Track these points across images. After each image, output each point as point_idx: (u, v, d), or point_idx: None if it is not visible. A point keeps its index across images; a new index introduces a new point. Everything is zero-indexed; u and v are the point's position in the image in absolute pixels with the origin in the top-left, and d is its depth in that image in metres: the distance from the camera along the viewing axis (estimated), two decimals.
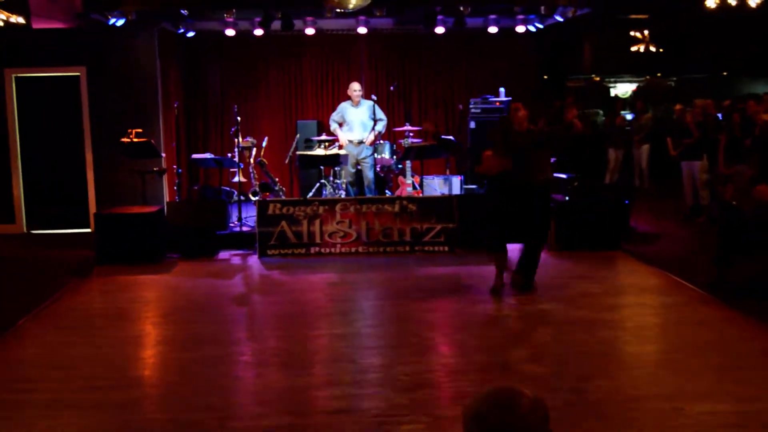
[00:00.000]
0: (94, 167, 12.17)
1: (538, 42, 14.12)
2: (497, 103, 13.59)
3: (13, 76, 12.16)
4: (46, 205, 12.39)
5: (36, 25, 11.94)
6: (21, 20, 11.38)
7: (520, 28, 13.05)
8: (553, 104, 13.89)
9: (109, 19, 11.39)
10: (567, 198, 10.69)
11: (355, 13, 11.91)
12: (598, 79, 22.32)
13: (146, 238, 10.31)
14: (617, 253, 10.31)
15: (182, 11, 11.58)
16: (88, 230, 11.78)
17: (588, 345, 6.69)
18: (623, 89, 23.36)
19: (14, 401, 5.63)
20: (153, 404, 5.73)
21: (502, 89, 13.71)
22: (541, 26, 13.07)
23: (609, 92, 22.86)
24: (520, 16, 12.69)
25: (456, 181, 12.71)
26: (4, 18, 11.12)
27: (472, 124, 13.67)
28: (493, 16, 12.78)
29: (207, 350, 6.75)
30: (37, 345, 7.03)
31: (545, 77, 14.77)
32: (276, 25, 11.94)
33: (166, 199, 12.09)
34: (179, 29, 12.84)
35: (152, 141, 11.15)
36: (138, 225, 10.31)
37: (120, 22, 11.42)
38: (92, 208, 12.00)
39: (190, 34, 13.05)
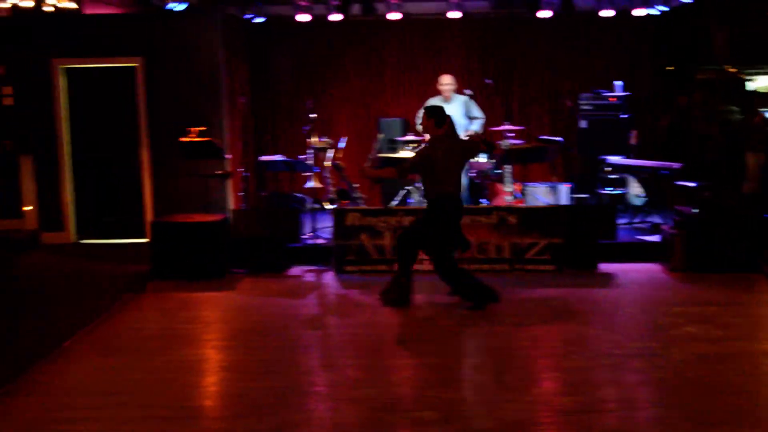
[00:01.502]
0: (152, 170, 12.41)
1: (661, 27, 13.86)
2: (612, 99, 13.38)
3: (63, 67, 12.50)
4: (98, 211, 12.71)
5: (88, 11, 12.25)
6: (72, 5, 11.68)
7: (639, 11, 12.84)
8: (679, 101, 13.60)
9: (168, 4, 11.62)
10: (696, 210, 10.42)
11: None
12: (733, 70, 21.79)
13: (208, 250, 10.44)
14: (756, 276, 10.01)
15: None
16: (144, 240, 12.00)
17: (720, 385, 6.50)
18: (763, 82, 22.74)
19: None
20: None
21: (618, 83, 13.49)
22: (664, 8, 12.83)
23: (745, 86, 22.27)
24: None
25: (563, 189, 12.54)
26: (53, 2, 11.43)
27: (583, 123, 13.49)
28: None
29: (275, 379, 6.77)
30: (85, 369, 7.15)
31: (668, 68, 14.47)
32: (356, 9, 12.01)
33: (231, 206, 12.25)
34: (246, 14, 13.01)
35: (216, 141, 11.30)
36: (199, 236, 10.45)
37: (181, 7, 11.66)
38: (148, 216, 12.24)
39: (259, 20, 13.21)
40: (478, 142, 9.84)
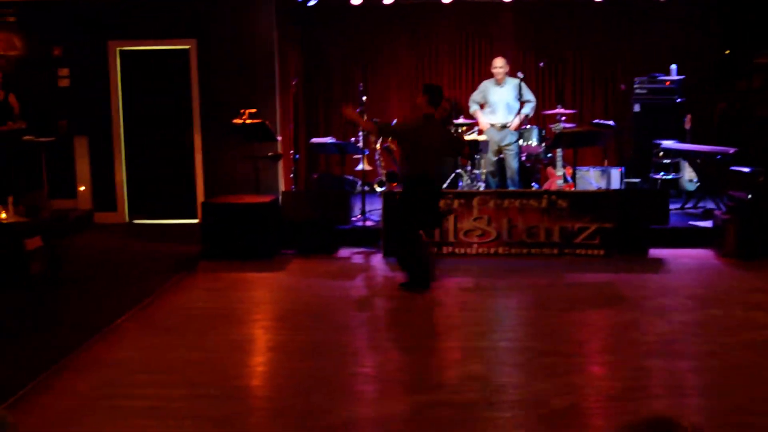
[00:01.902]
0: (203, 151, 12.54)
1: (720, 10, 13.64)
2: (667, 83, 13.22)
3: (118, 49, 12.66)
4: (150, 192, 12.88)
5: None
6: None
7: None
8: (738, 85, 13.39)
9: None
10: (750, 196, 10.27)
11: None
12: None
13: (258, 231, 10.53)
14: None
15: None
16: (195, 221, 12.14)
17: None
18: None
19: (110, 407, 5.84)
20: (261, 419, 5.83)
21: (673, 66, 13.32)
22: None
23: None
24: None
25: (615, 173, 12.45)
26: None
27: (637, 107, 13.35)
28: None
29: (323, 360, 6.83)
30: (136, 347, 7.28)
31: (727, 52, 14.25)
32: None
33: (282, 188, 12.33)
34: None
35: (267, 123, 11.37)
36: (249, 217, 10.54)
37: None
38: (199, 197, 12.37)
39: (312, 2, 13.24)
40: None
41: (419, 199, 8.91)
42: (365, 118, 11.99)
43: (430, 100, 8.93)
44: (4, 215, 8.65)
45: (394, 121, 11.94)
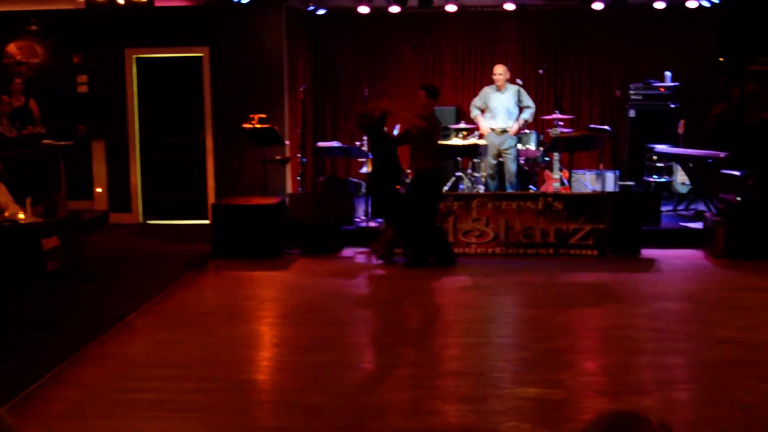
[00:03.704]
0: (215, 154, 12.62)
1: (714, 19, 13.65)
2: (662, 89, 13.24)
3: (134, 57, 12.75)
4: (164, 193, 12.96)
5: (158, 3, 12.46)
6: None
7: (692, 3, 12.65)
8: (731, 92, 13.39)
9: None
10: (739, 198, 10.30)
11: None
12: None
13: (266, 231, 10.59)
14: None
15: None
16: (206, 222, 12.21)
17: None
18: None
19: (119, 401, 5.91)
20: (265, 411, 5.90)
21: (668, 73, 13.35)
22: (717, 0, 12.64)
23: None
24: None
25: (610, 176, 12.48)
26: None
27: (632, 113, 13.38)
28: None
29: (326, 356, 6.88)
30: (146, 342, 7.36)
31: (721, 60, 14.25)
32: (413, 1, 12.03)
33: (289, 190, 12.40)
34: (308, 6, 13.11)
35: (276, 127, 11.45)
36: (258, 217, 10.60)
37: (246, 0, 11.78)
38: (210, 199, 12.44)
39: (320, 11, 13.30)
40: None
41: (440, 187, 10.12)
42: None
43: (429, 94, 9.92)
44: (22, 215, 8.73)
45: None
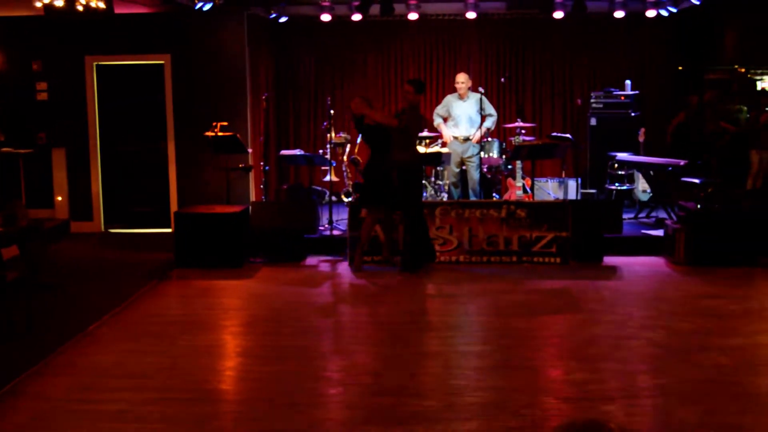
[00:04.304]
0: (177, 162, 12.55)
1: (672, 28, 13.84)
2: (622, 98, 13.39)
3: (95, 64, 12.65)
4: (125, 202, 12.87)
5: (118, 10, 12.39)
6: (102, 5, 11.81)
7: (651, 13, 12.81)
8: (690, 99, 13.57)
9: (196, 4, 11.72)
10: (699, 206, 10.43)
11: None
12: (743, 70, 21.63)
13: (229, 240, 10.54)
14: (755, 270, 10.03)
15: None
16: (168, 230, 12.13)
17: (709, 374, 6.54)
18: None
19: (81, 411, 5.85)
20: (229, 421, 5.86)
21: (628, 82, 13.51)
22: (674, 10, 12.80)
23: (756, 86, 22.13)
24: None
25: (572, 184, 12.59)
26: (84, 2, 11.57)
27: (593, 121, 13.53)
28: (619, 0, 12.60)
29: (290, 365, 6.87)
30: (109, 352, 7.28)
31: (680, 68, 14.45)
32: (375, 9, 12.05)
33: (252, 198, 12.37)
34: (270, 14, 13.10)
35: (238, 135, 11.41)
36: (221, 226, 10.55)
37: (207, 7, 11.74)
38: (173, 207, 12.37)
39: (282, 19, 13.28)
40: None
41: (421, 179, 10.32)
42: (333, 132, 12.08)
43: (417, 89, 10.05)
44: None
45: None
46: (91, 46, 12.64)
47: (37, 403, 6.01)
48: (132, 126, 12.82)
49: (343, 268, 10.48)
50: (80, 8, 11.58)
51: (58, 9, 11.63)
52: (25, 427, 5.62)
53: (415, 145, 10.25)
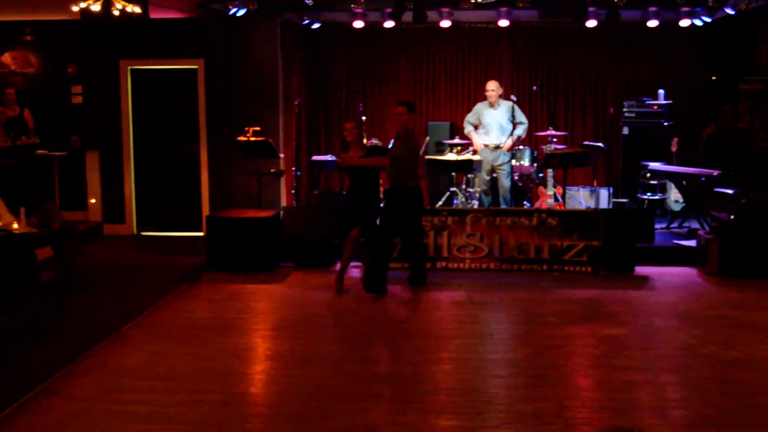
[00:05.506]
0: (209, 167, 12.60)
1: (706, 38, 13.72)
2: (655, 107, 13.28)
3: (129, 68, 12.76)
4: (158, 205, 12.96)
5: (153, 15, 12.47)
6: (137, 9, 11.90)
7: (685, 22, 12.69)
8: (724, 109, 13.44)
9: (230, 9, 11.76)
10: (732, 216, 10.33)
11: (496, 4, 11.89)
12: None
13: (260, 244, 10.58)
14: None
15: (307, 1, 11.83)
16: (200, 234, 12.18)
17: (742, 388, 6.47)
18: None
19: (112, 412, 5.89)
20: (258, 424, 5.85)
21: (661, 91, 13.39)
22: (708, 20, 12.69)
23: None
24: (685, 9, 12.33)
25: (604, 193, 12.50)
26: (120, 7, 11.67)
27: (625, 130, 13.42)
28: (653, 9, 12.47)
29: (319, 369, 6.87)
30: (140, 354, 7.32)
31: (713, 78, 14.32)
32: (408, 16, 12.03)
33: (283, 203, 12.39)
34: (303, 20, 13.11)
35: (270, 140, 11.44)
36: (252, 230, 10.58)
37: (241, 12, 11.77)
38: (205, 211, 12.42)
39: (315, 25, 13.28)
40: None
41: (421, 205, 9.96)
42: (365, 139, 12.05)
43: (410, 110, 9.78)
44: (16, 225, 8.69)
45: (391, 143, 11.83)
46: (125, 50, 12.77)
47: (69, 403, 6.05)
48: (165, 130, 12.92)
49: None
50: (116, 13, 11.69)
51: (95, 14, 11.74)
52: (56, 427, 5.66)
53: (414, 170, 9.74)
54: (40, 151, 12.17)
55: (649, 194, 12.75)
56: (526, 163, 12.39)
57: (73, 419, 5.77)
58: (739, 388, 6.42)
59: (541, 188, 12.20)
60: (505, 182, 12.07)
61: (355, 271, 10.55)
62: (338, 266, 9.84)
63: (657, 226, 11.27)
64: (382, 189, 11.05)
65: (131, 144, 12.85)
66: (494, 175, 12.17)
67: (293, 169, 12.84)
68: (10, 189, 9.87)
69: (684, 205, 12.35)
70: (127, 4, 11.82)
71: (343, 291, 9.56)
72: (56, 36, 12.85)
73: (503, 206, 11.82)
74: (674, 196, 12.61)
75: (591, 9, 12.03)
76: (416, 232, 9.94)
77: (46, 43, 12.90)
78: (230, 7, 11.73)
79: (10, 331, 7.87)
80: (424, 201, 10.19)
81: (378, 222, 9.81)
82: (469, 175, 12.29)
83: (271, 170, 11.66)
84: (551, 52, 14.18)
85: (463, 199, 12.15)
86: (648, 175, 12.75)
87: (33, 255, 8.17)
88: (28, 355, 7.11)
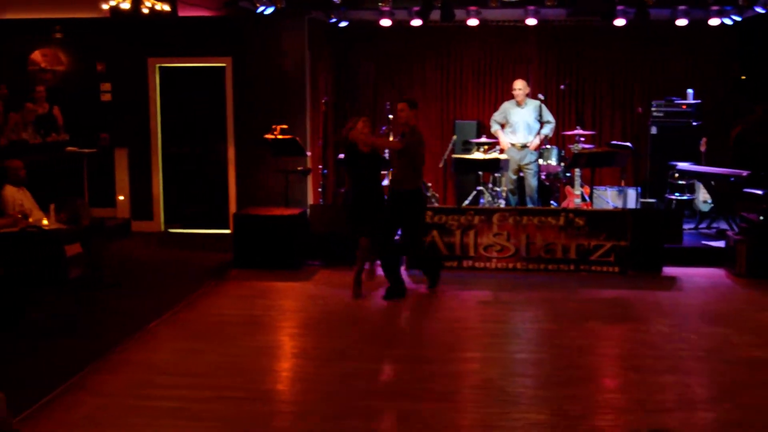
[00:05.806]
0: (236, 164, 12.65)
1: (736, 37, 13.60)
2: (684, 107, 13.18)
3: (158, 66, 12.83)
4: (185, 203, 13.03)
5: (182, 13, 12.53)
6: (166, 8, 11.97)
7: (714, 21, 12.57)
8: (755, 109, 13.31)
9: (258, 7, 11.78)
10: (762, 217, 10.23)
11: (524, 2, 11.85)
12: None
13: (287, 242, 10.62)
14: None
15: None
16: (227, 231, 12.22)
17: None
18: None
19: (139, 407, 5.94)
20: (285, 421, 5.88)
21: (690, 90, 13.28)
22: (738, 18, 12.57)
23: None
24: (714, 7, 12.22)
25: (632, 193, 12.43)
26: (150, 5, 11.73)
27: (654, 130, 13.32)
28: (682, 7, 12.37)
29: (345, 366, 6.90)
30: (167, 350, 7.37)
31: (743, 78, 14.20)
32: (435, 14, 12.01)
33: (310, 201, 12.40)
34: (330, 19, 13.11)
35: (298, 138, 11.45)
36: (279, 228, 10.62)
37: (269, 11, 11.79)
38: (232, 208, 12.48)
39: (342, 24, 13.28)
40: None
41: (424, 208, 9.80)
42: (392, 137, 12.04)
43: (410, 105, 9.43)
44: (46, 222, 8.77)
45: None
46: (154, 48, 12.85)
47: (96, 399, 6.11)
48: (192, 127, 12.99)
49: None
50: (145, 11, 11.76)
51: (124, 11, 11.82)
52: (84, 422, 5.71)
53: (417, 170, 9.45)
54: (69, 148, 12.28)
55: (677, 194, 12.66)
56: (553, 162, 12.33)
57: (100, 415, 5.82)
58: (765, 391, 6.36)
59: (568, 188, 12.14)
60: (532, 181, 12.03)
61: (379, 269, 10.55)
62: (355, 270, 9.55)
63: (685, 226, 11.18)
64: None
65: (159, 141, 12.93)
66: (521, 174, 12.13)
67: (320, 167, 12.86)
68: (39, 186, 9.93)
69: (712, 205, 12.25)
70: (156, 2, 11.89)
71: (360, 296, 9.36)
72: (86, 34, 12.95)
73: (530, 205, 11.78)
74: (703, 197, 12.51)
75: (620, 7, 11.94)
76: (416, 236, 9.81)
77: (76, 40, 13.00)
78: (258, 5, 11.75)
79: (40, 327, 7.95)
80: (425, 203, 9.88)
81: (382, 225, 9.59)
82: (496, 174, 12.25)
83: (298, 168, 11.68)
84: (579, 50, 14.10)
85: (490, 198, 12.11)
86: (676, 175, 12.65)
87: (62, 251, 8.26)
88: (57, 351, 7.19)
